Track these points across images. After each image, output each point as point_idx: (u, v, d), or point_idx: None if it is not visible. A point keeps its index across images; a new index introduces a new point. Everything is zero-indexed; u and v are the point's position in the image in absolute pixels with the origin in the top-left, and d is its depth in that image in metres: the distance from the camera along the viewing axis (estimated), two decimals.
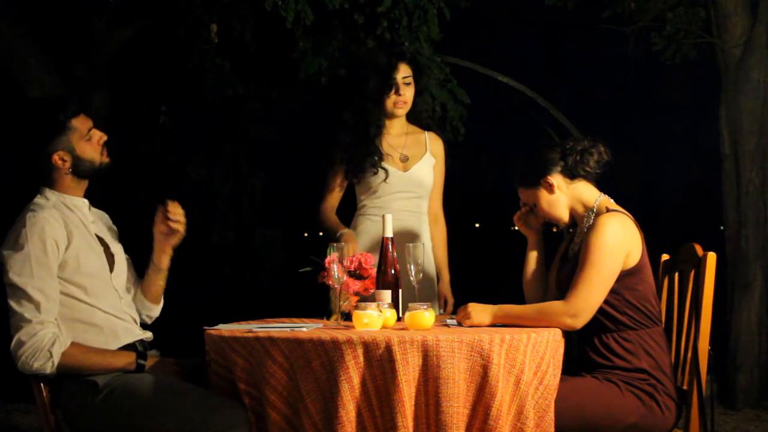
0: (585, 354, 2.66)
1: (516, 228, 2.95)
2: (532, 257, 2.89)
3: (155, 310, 2.89)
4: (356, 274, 2.81)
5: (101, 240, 2.71)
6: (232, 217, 6.78)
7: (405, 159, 3.43)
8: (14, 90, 5.34)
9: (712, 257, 2.63)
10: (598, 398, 2.54)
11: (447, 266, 3.57)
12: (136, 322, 2.75)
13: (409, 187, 3.42)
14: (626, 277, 2.60)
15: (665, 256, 3.02)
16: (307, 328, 2.45)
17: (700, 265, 2.66)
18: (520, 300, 2.78)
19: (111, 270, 2.70)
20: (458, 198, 4.86)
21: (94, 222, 2.72)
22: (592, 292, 2.54)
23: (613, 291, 2.59)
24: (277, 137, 6.84)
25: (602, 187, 2.77)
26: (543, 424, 2.33)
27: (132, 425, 2.46)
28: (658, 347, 2.62)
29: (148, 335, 2.77)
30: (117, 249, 2.78)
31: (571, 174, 2.72)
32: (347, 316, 2.73)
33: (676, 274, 2.88)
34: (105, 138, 2.68)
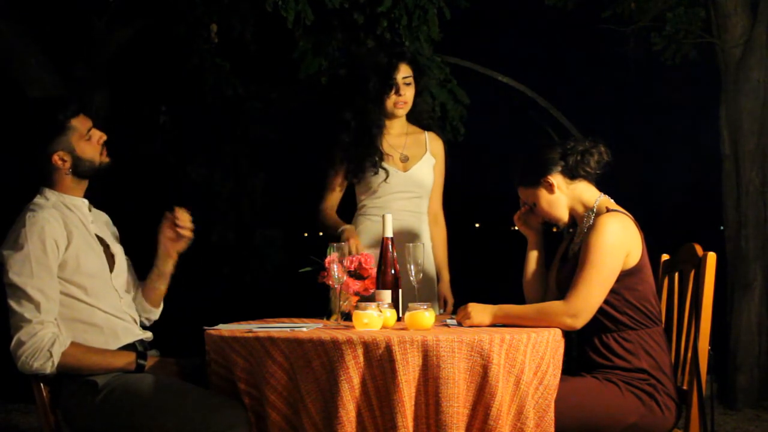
0: (585, 354, 2.66)
1: (516, 228, 2.95)
2: (533, 257, 2.89)
3: (155, 314, 2.90)
4: (356, 274, 2.81)
5: (101, 240, 2.71)
6: (232, 217, 6.78)
7: (405, 159, 3.43)
8: (14, 90, 5.34)
9: (712, 257, 2.63)
10: (598, 398, 2.54)
11: (447, 266, 3.57)
12: (136, 322, 2.75)
13: (409, 187, 3.42)
14: (626, 277, 2.60)
15: (665, 256, 3.02)
16: (307, 328, 2.45)
17: (700, 265, 2.66)
18: (520, 300, 2.78)
19: (111, 270, 2.70)
20: (458, 198, 4.86)
21: (94, 222, 2.72)
22: (592, 292, 2.54)
23: (613, 291, 2.59)
24: (277, 137, 6.85)
25: (602, 187, 2.77)
26: (543, 424, 2.33)
27: (132, 425, 2.46)
28: (658, 347, 2.62)
29: (148, 335, 2.77)
30: (117, 249, 2.78)
31: (571, 174, 2.72)
32: (347, 316, 2.73)
33: (676, 274, 2.88)
34: (105, 138, 2.69)
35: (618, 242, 2.57)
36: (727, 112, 5.17)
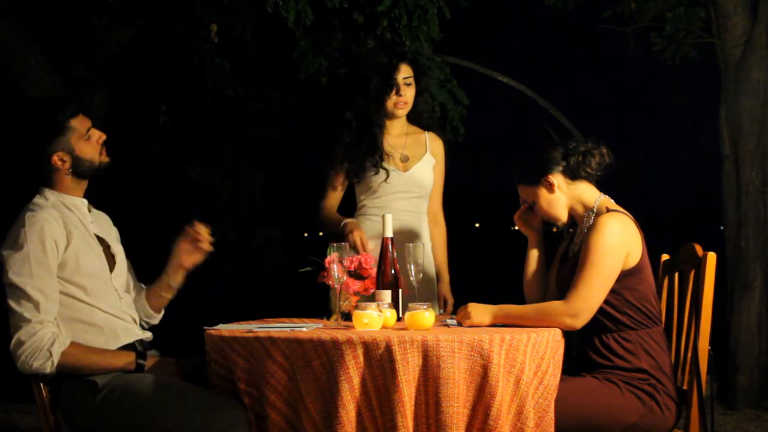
0: (585, 354, 2.66)
1: (516, 228, 2.95)
2: (533, 257, 2.89)
3: (156, 319, 2.91)
4: (356, 274, 2.81)
5: (102, 240, 2.71)
6: (232, 217, 6.78)
7: (405, 159, 3.43)
8: (14, 90, 5.34)
9: (712, 257, 2.63)
10: (598, 398, 2.53)
11: (447, 266, 3.56)
12: (135, 322, 2.75)
13: (410, 187, 3.42)
14: (626, 277, 2.60)
15: (665, 256, 3.02)
16: (307, 328, 2.45)
17: (700, 265, 2.66)
18: (520, 300, 2.78)
19: (111, 270, 2.70)
20: (458, 198, 4.86)
21: (94, 222, 2.72)
22: (592, 292, 2.54)
23: (613, 291, 2.58)
24: (277, 137, 6.85)
25: (602, 187, 2.77)
26: (543, 424, 2.33)
27: (132, 425, 2.46)
28: (658, 347, 2.62)
29: (147, 335, 2.77)
30: (118, 250, 2.78)
31: (572, 174, 2.72)
32: (347, 316, 2.73)
33: (676, 274, 2.88)
34: (104, 137, 2.68)
35: (618, 242, 2.57)
36: (727, 112, 5.17)
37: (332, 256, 2.72)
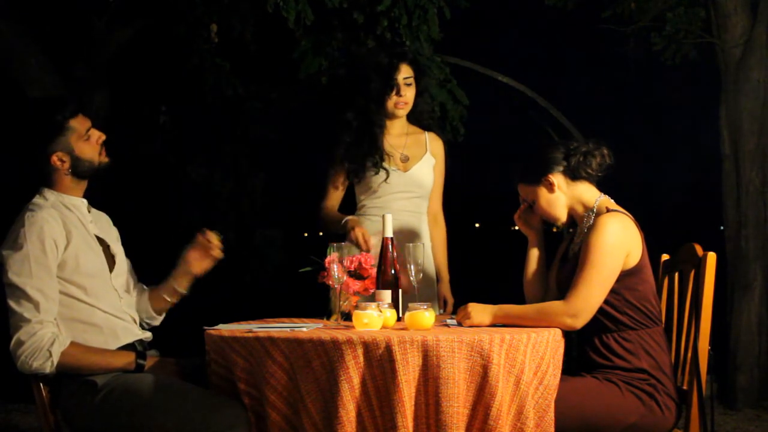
0: (585, 354, 2.66)
1: (516, 228, 2.95)
2: (533, 257, 2.89)
3: (157, 321, 2.91)
4: (356, 274, 2.81)
5: (101, 240, 2.71)
6: (232, 217, 6.79)
7: (405, 159, 3.43)
8: (14, 90, 5.34)
9: (712, 257, 2.63)
10: (598, 398, 2.53)
11: (446, 266, 3.56)
12: (135, 322, 2.75)
13: (410, 187, 3.42)
14: (626, 277, 2.60)
15: (665, 256, 3.02)
16: (307, 328, 2.45)
17: (700, 265, 2.66)
18: (520, 300, 2.78)
19: (111, 270, 2.69)
20: (458, 198, 4.86)
21: (94, 222, 2.72)
22: (592, 292, 2.54)
23: (613, 291, 2.58)
24: (277, 137, 6.85)
25: (602, 187, 2.77)
26: (543, 424, 2.33)
27: (132, 425, 2.46)
28: (658, 347, 2.62)
29: (147, 335, 2.77)
30: (118, 249, 2.78)
31: (572, 175, 2.72)
32: (347, 316, 2.73)
33: (676, 274, 2.88)
34: (104, 138, 2.68)
35: (618, 242, 2.57)
36: (727, 112, 5.17)
37: (332, 256, 2.72)
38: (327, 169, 3.46)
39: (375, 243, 3.07)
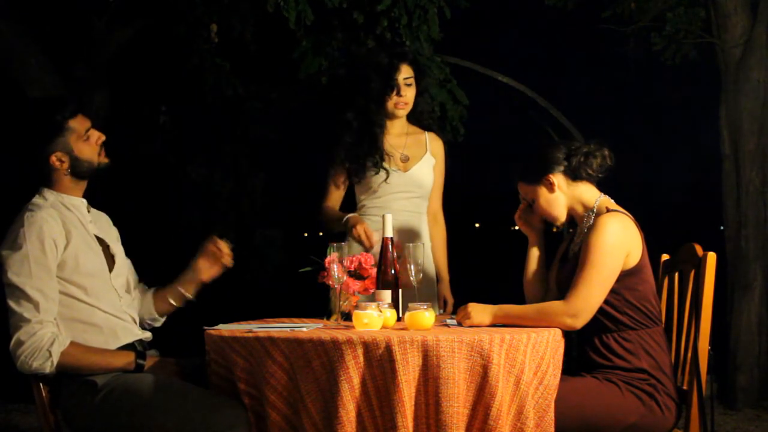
0: (585, 354, 2.66)
1: (516, 228, 2.95)
2: (533, 256, 2.89)
3: (159, 322, 2.91)
4: (356, 274, 2.81)
5: (101, 240, 2.71)
6: (232, 217, 6.79)
7: (405, 159, 3.43)
8: (14, 90, 5.34)
9: (712, 257, 2.63)
10: (598, 398, 2.53)
11: (446, 266, 3.56)
12: (135, 322, 2.75)
13: (410, 187, 3.42)
14: (626, 277, 2.60)
15: (665, 256, 3.02)
16: (307, 328, 2.45)
17: (700, 265, 2.66)
18: (520, 300, 2.78)
19: (111, 270, 2.69)
20: (458, 198, 4.86)
21: (93, 222, 2.72)
22: (592, 292, 2.54)
23: (613, 291, 2.58)
24: (277, 137, 6.85)
25: (602, 187, 2.77)
26: (543, 424, 2.33)
27: (132, 425, 2.46)
28: (658, 347, 2.62)
29: (147, 335, 2.77)
30: (117, 249, 2.78)
31: (573, 175, 2.72)
32: (347, 316, 2.73)
33: (676, 274, 2.88)
34: (103, 138, 2.68)
35: (618, 242, 2.56)
36: (727, 112, 5.17)
37: (332, 256, 2.72)
38: (327, 169, 3.47)
39: (377, 239, 3.07)
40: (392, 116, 3.42)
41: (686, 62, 5.55)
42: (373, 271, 2.80)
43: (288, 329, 2.42)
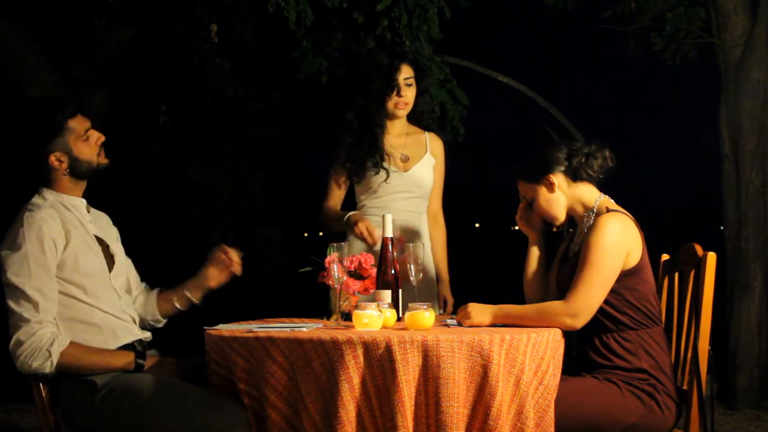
0: (585, 354, 2.66)
1: (516, 228, 2.95)
2: (534, 256, 2.89)
3: (161, 323, 2.91)
4: (356, 274, 2.81)
5: (100, 240, 2.71)
6: (232, 217, 6.79)
7: (405, 159, 3.43)
8: (14, 90, 5.34)
9: (712, 257, 2.63)
10: (598, 398, 2.53)
11: (446, 266, 3.56)
12: (135, 322, 2.75)
13: (410, 187, 3.42)
14: (626, 277, 2.60)
15: (665, 256, 3.02)
16: (307, 328, 2.45)
17: (700, 265, 2.66)
18: (520, 300, 2.78)
19: (110, 270, 2.69)
20: (458, 198, 4.86)
21: (93, 222, 2.72)
22: (592, 292, 2.54)
23: (613, 291, 2.58)
24: (277, 137, 6.85)
25: (602, 186, 2.77)
26: (543, 424, 2.33)
27: (131, 425, 2.46)
28: (658, 347, 2.62)
29: (147, 335, 2.77)
30: (117, 249, 2.78)
31: (573, 175, 2.72)
32: (347, 316, 2.73)
33: (676, 274, 2.88)
34: (103, 139, 2.68)
35: (618, 242, 2.56)
36: (727, 112, 5.17)
37: (332, 256, 2.72)
38: (328, 169, 3.46)
39: (379, 235, 3.07)
40: (392, 116, 3.42)
41: (686, 62, 5.55)
42: (373, 271, 2.80)
43: (288, 329, 2.42)
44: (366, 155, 3.36)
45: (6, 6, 5.18)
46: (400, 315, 2.72)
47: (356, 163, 3.37)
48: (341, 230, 3.37)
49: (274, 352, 2.28)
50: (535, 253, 2.89)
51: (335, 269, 2.71)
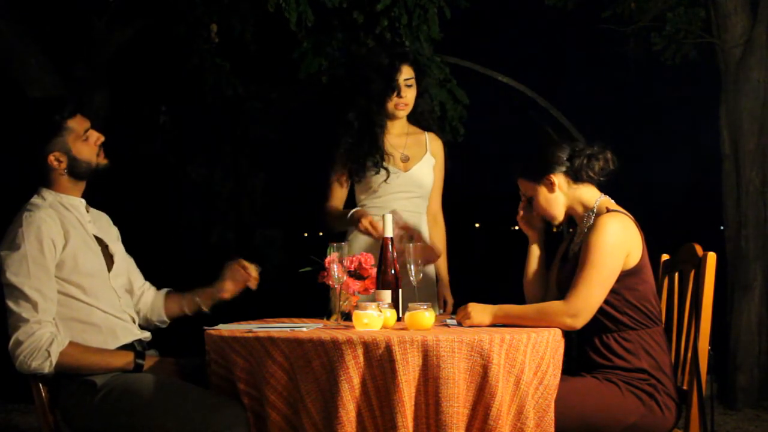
0: (585, 354, 2.66)
1: (516, 227, 2.95)
2: (534, 256, 2.89)
3: (166, 324, 2.92)
4: (356, 274, 2.80)
5: (99, 240, 2.71)
6: (232, 217, 6.79)
7: (406, 159, 3.44)
8: (14, 90, 5.34)
9: (712, 257, 2.63)
10: (598, 398, 2.53)
11: (446, 266, 3.56)
12: (134, 322, 2.75)
13: (410, 187, 3.42)
14: (626, 277, 2.60)
15: (665, 256, 3.02)
16: (307, 328, 2.45)
17: (700, 265, 2.66)
18: (520, 300, 2.78)
19: (109, 270, 2.69)
20: (458, 198, 4.86)
21: (92, 222, 2.72)
22: (592, 292, 2.53)
23: (613, 291, 2.58)
24: (277, 137, 6.85)
25: (602, 186, 2.77)
26: (543, 424, 2.33)
27: (131, 425, 2.46)
28: (658, 347, 2.62)
29: (146, 335, 2.77)
30: (117, 249, 2.78)
31: (574, 176, 2.71)
32: (347, 316, 2.73)
33: (676, 274, 2.88)
34: (102, 139, 2.68)
35: (618, 242, 2.56)
36: (727, 112, 5.17)
37: (332, 256, 2.71)
38: (328, 170, 3.47)
39: (378, 235, 3.07)
40: (393, 117, 3.42)
41: (686, 62, 5.55)
42: (373, 271, 2.80)
43: (288, 329, 2.42)
44: (366, 155, 3.36)
45: (6, 6, 5.18)
46: (400, 315, 2.72)
47: (356, 162, 3.37)
48: (345, 229, 3.37)
49: (274, 352, 2.28)
50: (535, 252, 2.89)
51: (335, 269, 2.71)
